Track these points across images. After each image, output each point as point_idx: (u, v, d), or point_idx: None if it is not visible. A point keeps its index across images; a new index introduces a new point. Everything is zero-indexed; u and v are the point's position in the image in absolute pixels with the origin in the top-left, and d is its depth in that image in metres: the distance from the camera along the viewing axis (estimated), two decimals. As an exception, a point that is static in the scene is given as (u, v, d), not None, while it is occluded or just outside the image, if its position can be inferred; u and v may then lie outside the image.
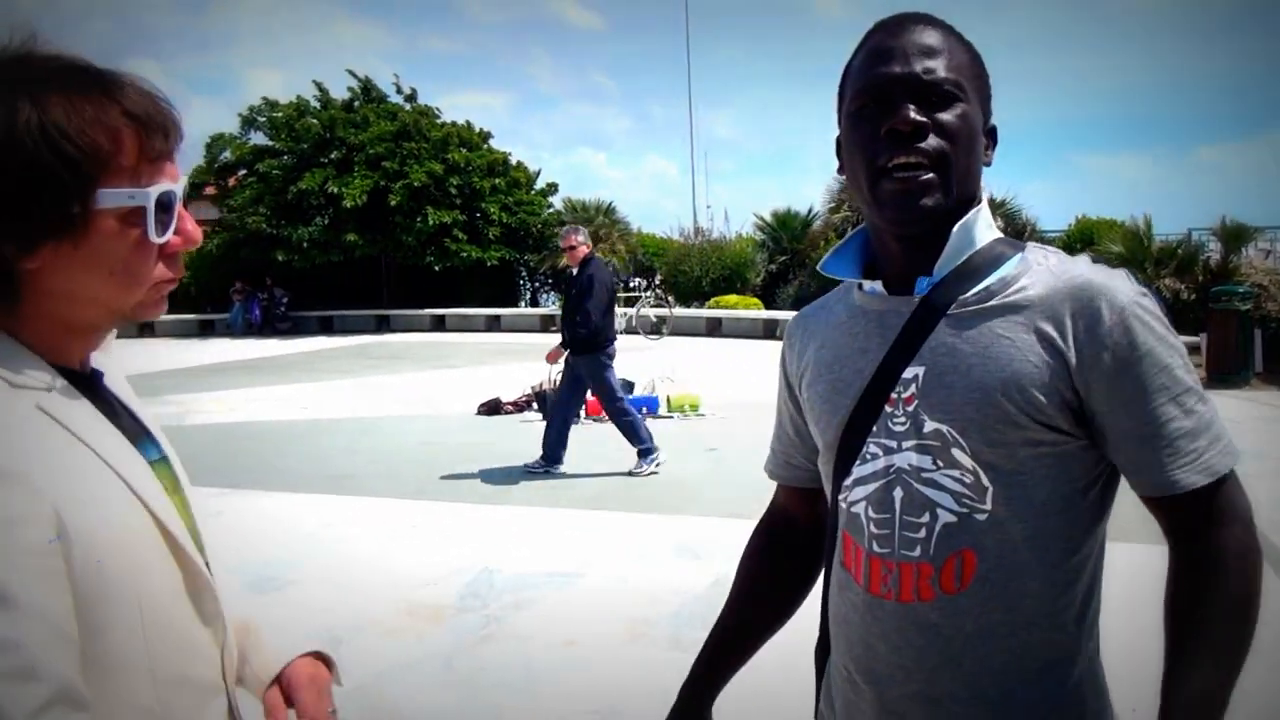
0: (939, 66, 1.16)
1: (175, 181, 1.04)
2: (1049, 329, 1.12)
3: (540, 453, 7.52)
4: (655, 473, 7.28)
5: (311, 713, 1.19)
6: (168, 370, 14.74)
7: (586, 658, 3.90)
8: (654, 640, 4.05)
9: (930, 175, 1.15)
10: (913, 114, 1.14)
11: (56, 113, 0.95)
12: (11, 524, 0.89)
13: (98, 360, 1.17)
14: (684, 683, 1.45)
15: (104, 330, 1.10)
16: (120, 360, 1.25)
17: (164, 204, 1.02)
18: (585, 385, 7.67)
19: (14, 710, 0.86)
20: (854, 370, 1.24)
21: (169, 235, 1.04)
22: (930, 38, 1.17)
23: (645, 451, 7.35)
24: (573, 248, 7.52)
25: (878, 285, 1.25)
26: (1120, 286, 1.12)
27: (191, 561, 1.08)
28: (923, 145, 1.14)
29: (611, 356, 7.51)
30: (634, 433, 7.40)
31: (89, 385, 1.09)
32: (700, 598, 4.48)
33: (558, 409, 7.72)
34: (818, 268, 1.32)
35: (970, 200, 1.20)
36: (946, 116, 1.15)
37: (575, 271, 7.52)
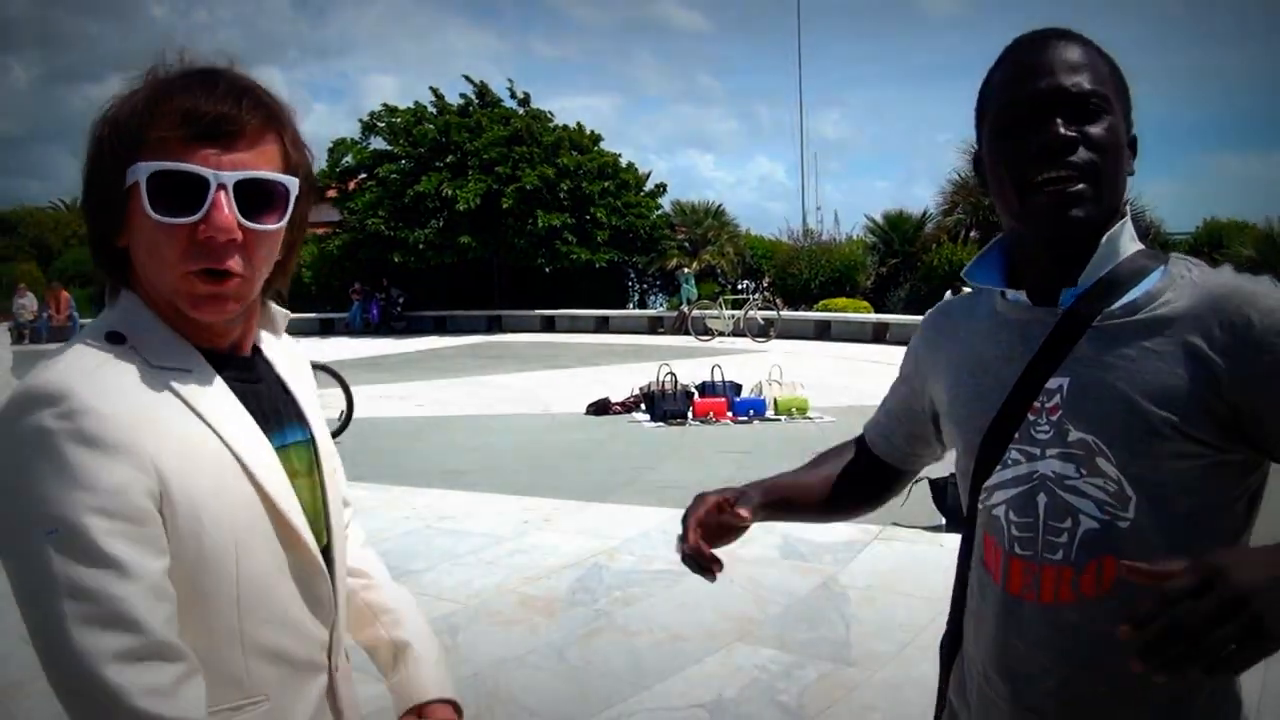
0: (1086, 80, 1.17)
1: (217, 169, 1.05)
2: (1196, 342, 1.13)
3: None
4: None
5: None
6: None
7: (693, 654, 3.97)
8: (759, 639, 4.09)
9: (1081, 186, 1.17)
10: (1063, 129, 1.16)
11: (121, 99, 1.07)
12: (115, 490, 0.98)
13: (268, 342, 1.26)
14: (748, 485, 1.48)
15: (195, 316, 1.10)
16: (294, 345, 1.33)
17: (170, 183, 1.03)
18: None
19: (103, 654, 0.95)
20: (996, 378, 1.27)
21: (187, 218, 1.04)
22: (1074, 53, 1.19)
23: None
24: None
25: (1021, 295, 1.27)
26: (1266, 291, 1.13)
27: (302, 542, 1.15)
28: (1073, 159, 1.16)
29: None
30: None
31: (237, 366, 1.16)
32: (805, 599, 4.51)
33: None
34: (961, 274, 1.35)
35: (1115, 210, 1.21)
36: (1095, 130, 1.17)
37: None
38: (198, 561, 1.05)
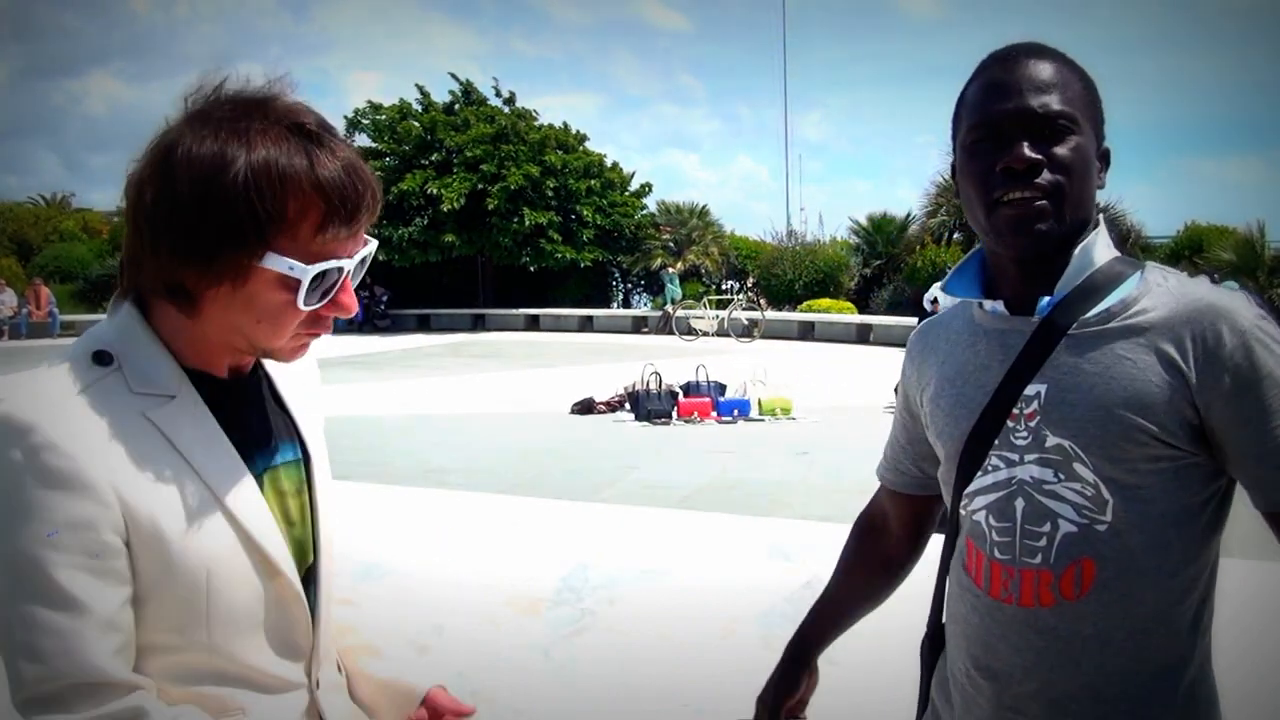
0: (1053, 101, 1.19)
1: (349, 257, 1.07)
2: (1169, 350, 1.15)
3: None
4: None
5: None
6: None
7: (678, 654, 3.98)
8: (745, 639, 4.10)
9: (1044, 203, 1.19)
10: (1027, 151, 1.18)
11: (260, 169, 1.00)
12: (78, 527, 0.98)
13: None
14: (793, 636, 1.59)
15: (249, 355, 1.15)
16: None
17: (323, 277, 1.06)
18: None
19: (41, 688, 0.98)
20: (976, 386, 1.29)
21: (322, 304, 1.08)
22: (1044, 71, 1.21)
23: None
24: None
25: (999, 305, 1.29)
26: (1241, 309, 1.15)
27: (278, 570, 1.13)
28: (1038, 180, 1.19)
29: None
30: None
31: (229, 388, 1.15)
32: (791, 599, 4.51)
33: None
34: (940, 287, 1.37)
35: (1084, 223, 1.24)
36: (1061, 151, 1.19)
37: None
38: (167, 592, 1.05)
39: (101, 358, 1.06)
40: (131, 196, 1.05)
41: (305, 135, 1.04)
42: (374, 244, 1.13)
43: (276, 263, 1.02)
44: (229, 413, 1.13)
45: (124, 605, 1.02)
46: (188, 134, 1.02)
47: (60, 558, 0.98)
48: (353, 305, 1.11)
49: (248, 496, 1.11)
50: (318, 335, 1.13)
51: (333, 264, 1.05)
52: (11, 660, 0.99)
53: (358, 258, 1.09)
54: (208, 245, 1.01)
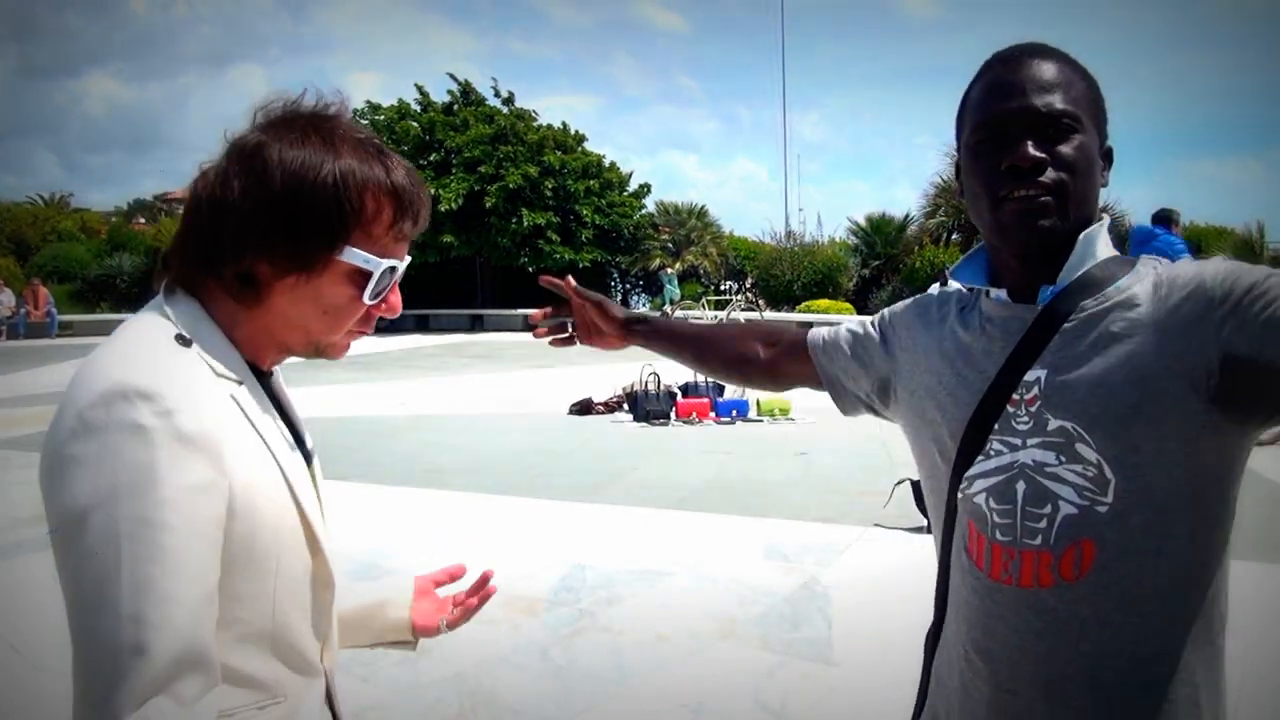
0: (1056, 100, 1.21)
1: (402, 260, 1.21)
2: (1163, 316, 1.17)
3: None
4: None
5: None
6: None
7: (676, 654, 3.98)
8: (742, 639, 4.10)
9: (1048, 200, 1.21)
10: (1031, 150, 1.20)
11: (347, 172, 1.12)
12: (200, 490, 1.00)
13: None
14: (648, 318, 1.82)
15: (297, 354, 1.23)
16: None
17: (386, 276, 1.18)
18: None
19: (142, 653, 0.94)
20: (977, 371, 1.31)
21: (378, 301, 1.20)
22: (1048, 70, 1.23)
23: None
24: None
25: (1003, 293, 1.31)
26: (1218, 260, 1.18)
27: (323, 553, 1.19)
28: (1041, 179, 1.21)
29: None
30: None
31: (266, 382, 1.21)
32: (789, 599, 4.52)
33: None
34: (947, 274, 1.40)
35: (1087, 220, 1.26)
36: (1064, 149, 1.21)
37: None
38: (245, 567, 1.07)
39: (182, 340, 1.10)
40: (213, 190, 1.13)
41: (374, 148, 1.17)
42: (408, 259, 1.24)
43: (353, 256, 1.14)
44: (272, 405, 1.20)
45: (218, 580, 1.03)
46: (273, 139, 1.12)
47: (184, 523, 0.98)
48: (399, 306, 1.23)
49: (305, 480, 1.18)
50: (364, 333, 1.23)
51: (397, 263, 1.19)
52: (113, 626, 0.95)
53: (406, 263, 1.22)
54: (295, 236, 1.11)
